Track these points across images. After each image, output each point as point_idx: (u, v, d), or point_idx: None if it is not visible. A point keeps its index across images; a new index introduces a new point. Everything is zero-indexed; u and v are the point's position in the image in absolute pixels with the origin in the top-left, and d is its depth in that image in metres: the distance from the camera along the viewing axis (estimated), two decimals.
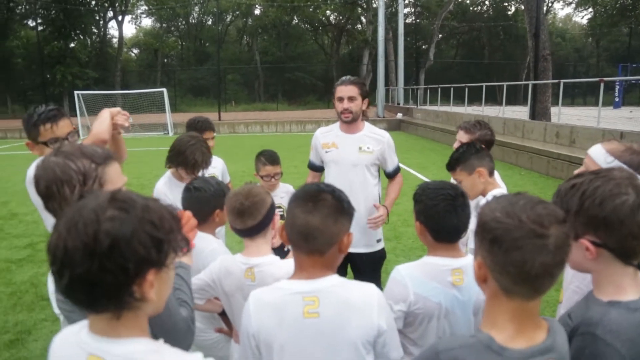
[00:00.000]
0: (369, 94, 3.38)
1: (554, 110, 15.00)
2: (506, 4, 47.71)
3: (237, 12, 46.62)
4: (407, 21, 38.32)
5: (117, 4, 39.02)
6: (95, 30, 41.52)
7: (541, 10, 15.70)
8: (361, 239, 3.25)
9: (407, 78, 32.53)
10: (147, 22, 62.49)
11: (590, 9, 45.50)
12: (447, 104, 21.94)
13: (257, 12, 45.14)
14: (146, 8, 44.26)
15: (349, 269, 3.43)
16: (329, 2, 40.01)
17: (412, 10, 45.53)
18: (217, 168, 3.73)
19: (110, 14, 40.80)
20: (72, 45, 34.31)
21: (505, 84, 18.07)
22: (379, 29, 26.54)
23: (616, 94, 25.66)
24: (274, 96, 41.07)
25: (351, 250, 1.61)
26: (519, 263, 1.12)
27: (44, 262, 5.71)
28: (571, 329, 1.28)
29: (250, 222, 1.95)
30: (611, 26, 42.83)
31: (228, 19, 48.73)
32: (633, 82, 29.79)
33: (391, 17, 34.65)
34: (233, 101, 37.48)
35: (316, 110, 32.94)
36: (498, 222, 1.14)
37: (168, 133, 22.19)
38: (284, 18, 42.19)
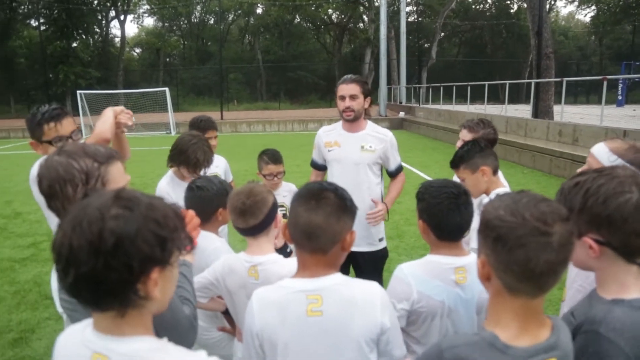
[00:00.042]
0: (371, 93, 3.38)
1: (556, 108, 14.96)
2: (508, 2, 47.61)
3: (239, 11, 46.63)
4: (409, 19, 38.22)
5: (119, 4, 39.09)
6: (97, 30, 41.59)
7: (544, 8, 15.66)
8: (363, 238, 3.25)
9: (410, 77, 32.49)
10: (149, 21, 62.78)
11: (593, 7, 45.33)
12: (450, 103, 21.90)
13: (259, 11, 45.21)
14: (148, 7, 44.36)
15: (351, 268, 3.43)
16: (330, 0, 40.01)
17: (414, 8, 45.49)
18: (219, 167, 3.73)
19: (112, 13, 40.90)
20: (74, 44, 34.42)
21: (507, 82, 18.02)
22: (381, 28, 26.50)
23: (619, 92, 25.57)
24: (276, 95, 41.07)
25: (353, 249, 1.61)
26: (522, 261, 1.12)
27: (48, 261, 5.74)
28: (574, 327, 1.28)
29: (252, 222, 1.95)
30: (614, 24, 42.69)
31: (230, 18, 48.73)
32: (636, 80, 29.72)
33: (393, 16, 34.60)
34: (235, 100, 37.50)
35: (318, 109, 32.95)
36: (501, 220, 1.14)
37: (170, 132, 22.21)
38: (286, 17, 42.20)
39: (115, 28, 53.41)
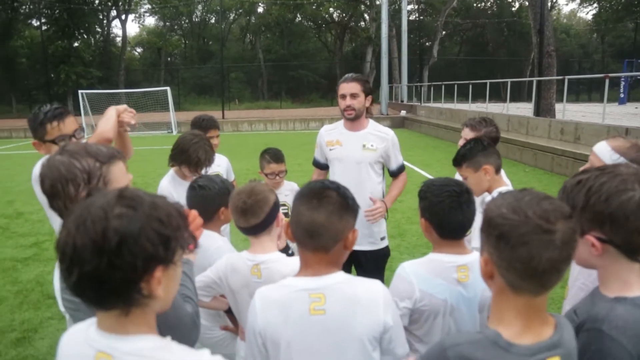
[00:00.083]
0: (372, 91, 3.37)
1: (558, 106, 14.95)
2: (510, 0, 47.54)
3: (240, 10, 46.64)
4: (410, 18, 38.21)
5: (120, 3, 39.13)
6: (98, 30, 41.65)
7: (545, 6, 15.64)
8: (365, 237, 3.25)
9: (411, 75, 32.48)
10: (150, 20, 62.71)
11: (595, 5, 45.26)
12: (451, 101, 21.88)
13: (260, 10, 45.25)
14: (149, 7, 44.37)
15: (353, 267, 3.42)
16: None
17: (416, 7, 45.41)
18: (221, 166, 3.73)
19: (113, 13, 40.96)
20: (76, 44, 34.46)
21: (509, 80, 17.99)
22: (382, 26, 26.50)
23: (621, 90, 25.50)
24: (277, 94, 41.11)
25: (355, 247, 1.61)
26: (525, 259, 1.12)
27: (50, 260, 5.75)
28: (577, 325, 1.28)
29: (253, 221, 1.95)
30: (616, 22, 42.59)
31: (231, 17, 48.75)
32: (638, 77, 29.61)
33: (394, 14, 34.61)
34: (236, 99, 37.53)
35: (320, 108, 32.96)
36: (504, 218, 1.14)
37: (172, 132, 22.25)
38: (287, 16, 42.20)
39: (116, 28, 53.67)
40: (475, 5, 49.19)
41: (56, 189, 1.42)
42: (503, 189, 2.47)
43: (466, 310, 1.83)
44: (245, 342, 1.67)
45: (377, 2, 33.49)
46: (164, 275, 1.00)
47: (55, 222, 2.24)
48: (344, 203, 1.52)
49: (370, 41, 37.92)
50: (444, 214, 1.80)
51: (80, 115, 21.63)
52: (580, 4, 49.37)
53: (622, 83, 25.42)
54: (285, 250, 2.46)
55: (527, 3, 21.22)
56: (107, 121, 2.38)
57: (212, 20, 49.48)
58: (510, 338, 1.16)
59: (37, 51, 33.74)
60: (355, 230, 1.56)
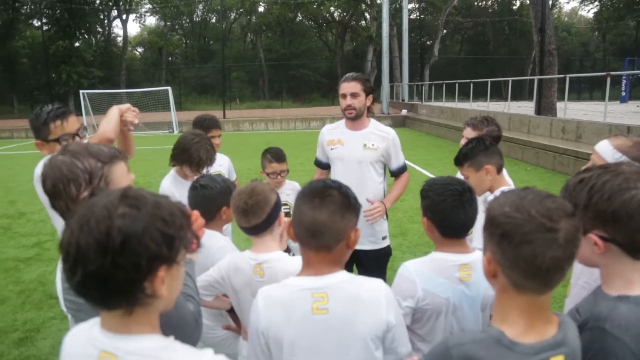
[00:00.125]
0: (373, 90, 3.37)
1: (560, 105, 14.92)
2: None
3: (241, 10, 46.67)
4: (411, 17, 38.18)
5: (121, 3, 39.15)
6: (99, 30, 41.72)
7: (547, 4, 15.61)
8: (367, 236, 3.25)
9: (412, 74, 32.45)
10: (151, 20, 62.79)
11: (596, 3, 45.21)
12: (452, 100, 21.87)
13: (261, 9, 45.27)
14: (150, 7, 44.38)
15: (354, 267, 3.42)
16: None
17: (417, 5, 45.39)
18: (223, 166, 3.74)
19: (114, 13, 41.00)
20: (77, 44, 34.49)
21: (510, 79, 17.95)
22: (383, 25, 26.48)
23: (623, 89, 25.47)
24: (278, 93, 41.12)
25: (357, 247, 1.61)
26: (529, 257, 1.11)
27: (52, 260, 5.76)
28: (580, 324, 1.28)
29: (254, 221, 1.95)
30: (618, 20, 42.53)
31: (232, 17, 48.77)
32: None
33: (395, 13, 34.58)
34: (238, 99, 37.53)
35: (321, 107, 32.96)
36: (507, 216, 1.14)
37: (173, 131, 22.27)
38: (288, 15, 42.22)
39: (117, 27, 53.72)
40: (476, 3, 49.15)
41: (58, 189, 1.42)
42: (505, 188, 2.48)
43: (469, 309, 1.83)
44: (248, 342, 1.67)
45: (378, 1, 33.47)
46: (167, 274, 1.01)
47: (57, 222, 2.24)
48: (346, 202, 1.52)
49: (371, 40, 37.91)
50: (446, 212, 1.80)
51: (81, 115, 21.66)
52: (581, 2, 49.47)
53: (624, 81, 25.38)
54: (286, 252, 2.46)
55: (528, 1, 21.20)
56: (109, 121, 2.38)
57: (213, 20, 49.54)
58: (514, 337, 1.16)
59: (39, 51, 33.79)
60: (357, 229, 1.56)
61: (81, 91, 23.16)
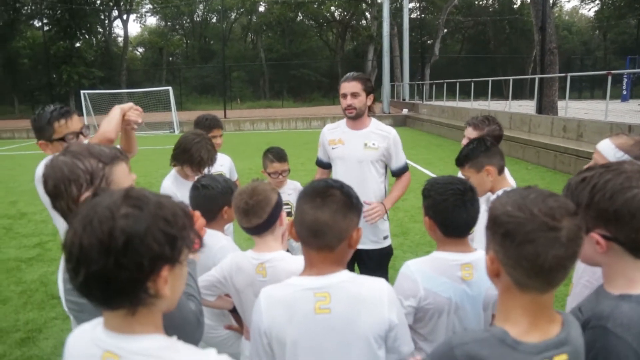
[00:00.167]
0: (374, 90, 3.37)
1: (561, 104, 14.90)
2: None
3: (242, 10, 46.68)
4: (412, 16, 38.18)
5: (121, 3, 39.17)
6: (100, 30, 41.76)
7: (547, 3, 15.59)
8: (368, 236, 3.25)
9: (413, 73, 32.43)
10: (151, 20, 62.71)
11: (597, 1, 45.16)
12: (453, 99, 21.87)
13: (261, 9, 45.27)
14: (151, 7, 44.39)
15: (356, 266, 3.42)
16: None
17: (417, 5, 45.41)
18: (224, 165, 3.74)
19: (115, 13, 41.03)
20: (77, 44, 34.51)
21: (511, 78, 17.96)
22: (383, 25, 26.46)
23: (624, 87, 25.42)
24: (279, 93, 41.13)
25: (358, 246, 1.61)
26: (532, 256, 1.11)
27: (54, 260, 5.77)
28: (582, 323, 1.28)
29: (255, 221, 1.95)
30: (618, 18, 42.47)
31: (232, 17, 48.80)
32: None
33: (396, 12, 34.57)
34: (238, 99, 37.54)
35: (321, 107, 32.96)
36: (510, 215, 1.14)
37: (174, 131, 22.30)
38: (289, 15, 42.22)
39: (118, 28, 53.71)
40: (476, 2, 49.13)
41: (59, 190, 1.42)
42: (507, 189, 2.47)
43: (470, 308, 1.83)
44: (251, 342, 1.67)
45: (379, 1, 33.48)
46: (170, 274, 1.01)
47: (59, 222, 2.24)
48: (348, 202, 1.52)
49: (371, 39, 37.92)
50: (448, 212, 1.80)
51: (82, 115, 21.67)
52: (582, 1, 49.58)
53: (625, 80, 25.34)
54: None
55: (528, 0, 21.17)
56: (109, 122, 2.39)
57: (214, 20, 49.56)
58: (518, 336, 1.16)
59: (39, 52, 33.82)
60: (359, 228, 1.56)
61: (82, 91, 23.20)
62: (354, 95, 3.22)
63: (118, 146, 2.11)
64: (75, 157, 1.45)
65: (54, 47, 31.73)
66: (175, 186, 3.12)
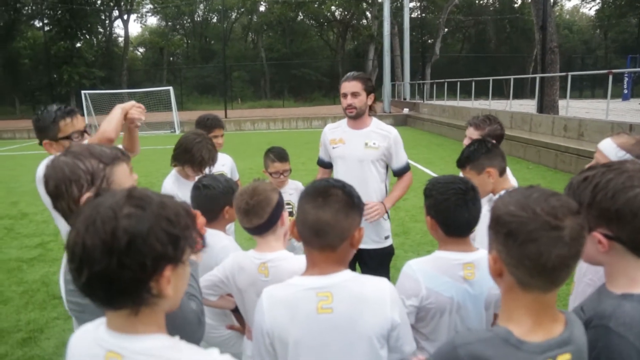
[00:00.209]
0: (375, 89, 3.37)
1: (561, 103, 14.90)
2: None
3: (242, 9, 46.69)
4: (412, 15, 38.18)
5: (122, 3, 39.19)
6: (101, 30, 41.79)
7: (548, 2, 15.57)
8: (369, 235, 3.25)
9: (413, 73, 32.43)
10: (152, 20, 62.61)
11: (597, 0, 45.08)
12: (454, 99, 21.86)
13: (262, 8, 45.27)
14: (151, 7, 44.41)
15: (357, 266, 3.42)
16: None
17: (418, 4, 45.38)
18: (226, 165, 3.74)
19: (115, 13, 41.04)
20: (78, 45, 34.52)
21: (512, 77, 17.94)
22: (384, 24, 26.46)
23: (625, 86, 25.39)
24: (280, 93, 41.15)
25: (360, 246, 1.60)
26: (534, 256, 1.11)
27: (55, 261, 5.77)
28: (584, 322, 1.28)
29: (256, 221, 1.95)
30: (619, 17, 42.43)
31: (233, 16, 48.82)
32: None
33: (396, 12, 34.57)
34: (239, 98, 37.55)
35: (322, 107, 32.95)
36: (512, 215, 1.14)
37: (174, 131, 22.31)
38: (289, 14, 42.22)
39: (118, 28, 53.81)
40: (477, 2, 49.09)
41: (60, 190, 1.42)
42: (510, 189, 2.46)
43: (472, 307, 1.83)
44: (253, 341, 1.67)
45: (379, 0, 33.45)
46: (173, 274, 1.01)
47: (60, 222, 2.24)
48: (350, 201, 1.52)
49: (372, 39, 37.91)
50: (450, 211, 1.79)
51: (83, 115, 21.65)
52: (582, 0, 49.25)
53: (626, 79, 25.31)
54: None
55: None
56: (110, 121, 2.39)
57: (214, 20, 49.58)
58: (521, 335, 1.16)
59: (40, 52, 33.87)
60: (361, 228, 1.56)
61: (83, 92, 23.25)
62: (355, 94, 3.22)
63: (120, 146, 2.12)
64: (76, 157, 1.45)
65: (54, 48, 31.75)
66: (176, 186, 3.13)
